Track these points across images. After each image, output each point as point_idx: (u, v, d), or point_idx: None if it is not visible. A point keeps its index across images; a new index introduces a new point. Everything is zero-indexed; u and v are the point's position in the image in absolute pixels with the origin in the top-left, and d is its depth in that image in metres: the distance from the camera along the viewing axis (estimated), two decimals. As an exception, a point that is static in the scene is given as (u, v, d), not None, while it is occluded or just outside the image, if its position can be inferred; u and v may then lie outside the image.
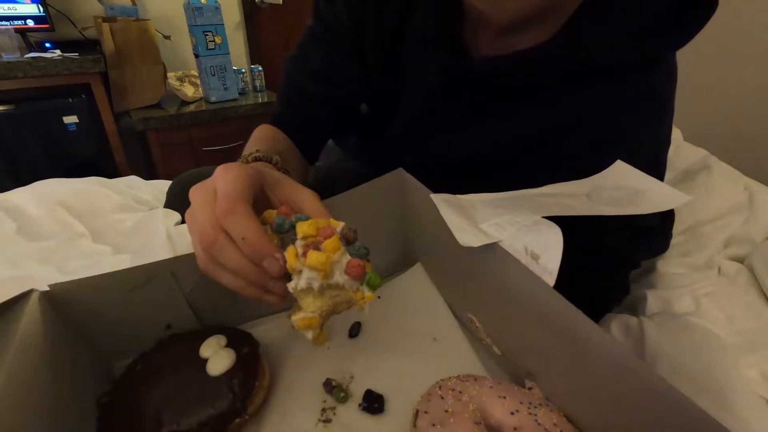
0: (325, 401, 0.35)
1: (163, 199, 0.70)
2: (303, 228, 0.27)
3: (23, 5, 1.44)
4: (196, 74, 1.72)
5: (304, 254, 0.26)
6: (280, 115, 0.55)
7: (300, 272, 0.27)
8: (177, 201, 0.61)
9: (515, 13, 0.37)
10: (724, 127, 0.98)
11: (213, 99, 1.67)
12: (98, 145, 1.55)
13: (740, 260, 0.60)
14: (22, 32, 1.47)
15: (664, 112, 0.44)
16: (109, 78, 1.52)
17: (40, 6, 1.46)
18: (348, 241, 0.28)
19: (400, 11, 0.46)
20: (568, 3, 0.38)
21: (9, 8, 1.42)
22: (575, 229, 0.35)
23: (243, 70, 1.84)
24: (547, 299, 0.28)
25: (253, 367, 0.33)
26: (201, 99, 1.72)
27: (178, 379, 0.33)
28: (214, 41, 1.59)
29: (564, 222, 0.31)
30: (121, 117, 1.64)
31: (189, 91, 1.71)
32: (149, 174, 1.78)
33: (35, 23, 1.48)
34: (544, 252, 0.29)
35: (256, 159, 0.40)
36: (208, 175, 0.67)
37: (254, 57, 2.05)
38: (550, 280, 0.28)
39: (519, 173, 0.45)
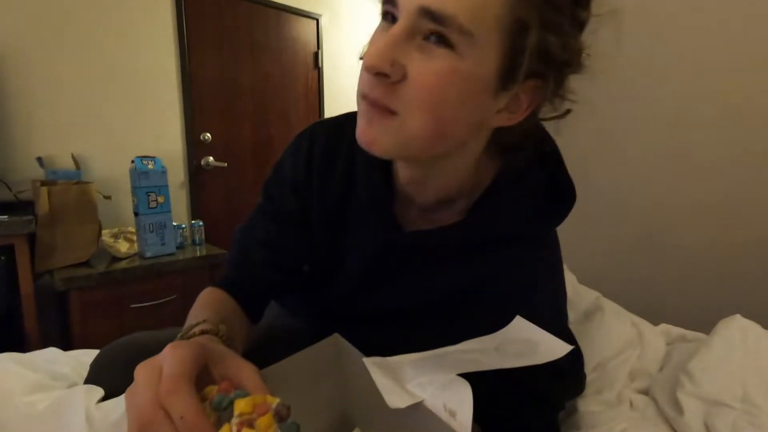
0: None
1: (84, 372, 0.66)
2: (240, 405, 0.29)
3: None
4: (133, 230, 1.73)
5: (243, 429, 0.28)
6: (227, 278, 0.60)
7: None
8: (102, 374, 0.58)
9: (433, 197, 0.50)
10: (609, 270, 1.17)
11: (149, 254, 1.66)
12: (7, 309, 1.42)
13: (645, 392, 0.67)
14: (-52, 196, 1.45)
15: (556, 271, 0.55)
16: (37, 238, 1.48)
17: (-24, 171, 1.48)
18: (281, 417, 0.30)
19: (341, 193, 0.56)
20: (474, 190, 0.50)
21: (-60, 174, 1.42)
22: (506, 377, 0.40)
23: (183, 225, 1.88)
24: None
25: None
26: (135, 254, 1.70)
27: None
28: (156, 201, 1.66)
29: (496, 370, 0.36)
30: (41, 277, 1.55)
31: (123, 246, 1.69)
32: (62, 338, 1.61)
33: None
34: (459, 408, 0.33)
35: (203, 332, 0.42)
36: (137, 342, 0.66)
37: (195, 213, 2.13)
38: None
39: (438, 324, 0.52)
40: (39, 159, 1.66)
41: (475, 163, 0.48)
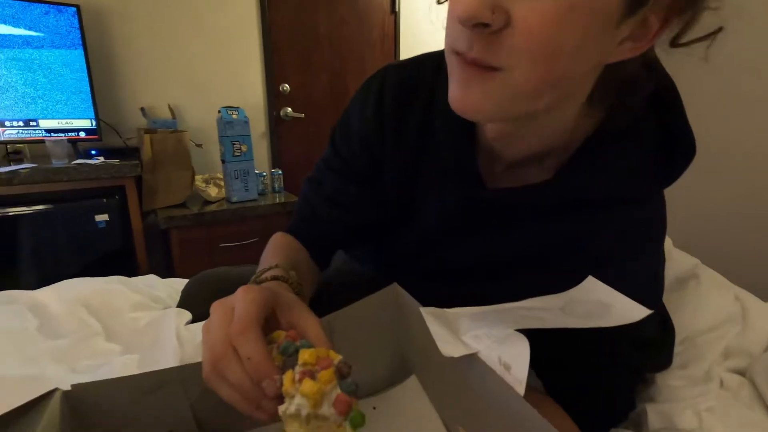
0: None
1: (178, 297, 0.74)
2: (305, 355, 0.30)
3: (79, 120, 1.66)
4: (221, 177, 1.88)
5: (300, 381, 0.29)
6: (295, 227, 0.60)
7: (293, 397, 0.29)
8: (190, 300, 0.65)
9: (523, 153, 0.45)
10: (714, 235, 1.02)
11: (234, 199, 1.80)
12: (123, 242, 1.65)
13: (742, 373, 0.59)
14: (74, 141, 1.67)
15: (658, 234, 0.49)
16: (143, 180, 1.67)
17: (93, 121, 1.68)
18: (342, 375, 0.30)
19: (417, 143, 0.52)
20: (570, 145, 0.44)
21: (66, 122, 1.63)
22: (582, 339, 0.38)
23: (264, 174, 2.00)
24: (519, 409, 0.30)
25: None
26: (223, 199, 1.86)
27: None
28: (240, 149, 1.77)
29: (571, 332, 0.34)
30: (147, 215, 1.77)
31: (213, 191, 1.85)
32: (166, 269, 1.85)
33: (86, 134, 1.68)
34: (514, 363, 0.31)
35: (274, 277, 0.44)
36: (220, 275, 0.71)
37: (275, 161, 2.25)
38: (521, 389, 0.30)
39: (512, 285, 0.49)
40: (142, 109, 1.84)
41: (577, 113, 0.41)
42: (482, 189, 0.48)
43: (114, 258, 1.62)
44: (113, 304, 0.65)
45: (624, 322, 0.34)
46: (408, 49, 2.45)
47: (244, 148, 1.78)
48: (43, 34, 1.55)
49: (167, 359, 0.52)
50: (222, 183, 1.88)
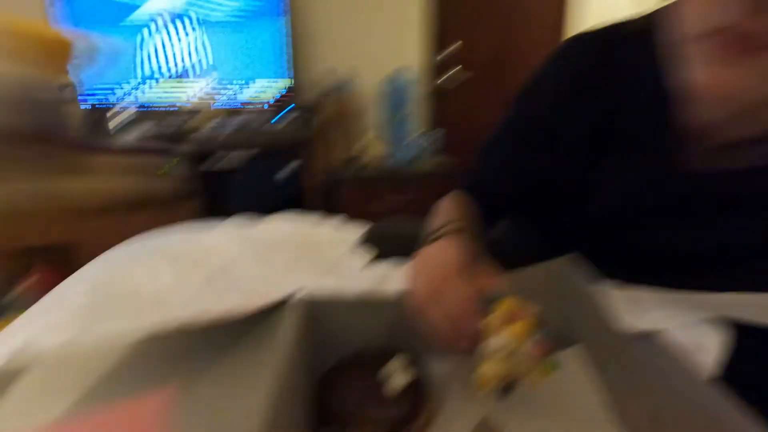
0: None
1: (357, 241, 0.86)
2: (508, 303, 0.35)
3: (275, 83, 1.94)
4: (384, 138, 2.02)
5: (505, 323, 0.33)
6: (469, 187, 0.61)
7: (496, 337, 0.33)
8: (370, 242, 0.75)
9: (740, 133, 0.39)
10: None
11: (395, 160, 1.92)
12: (297, 193, 1.92)
13: None
14: (268, 103, 1.98)
15: None
16: (318, 139, 1.90)
17: (287, 83, 1.95)
18: (540, 324, 0.34)
19: (606, 119, 0.48)
20: None
21: (264, 86, 1.94)
22: None
23: (425, 135, 2.07)
24: (699, 394, 0.29)
25: (423, 389, 0.41)
26: (385, 158, 2.00)
27: (365, 385, 0.41)
28: (403, 112, 1.86)
29: None
30: (320, 171, 2.01)
31: (375, 152, 2.01)
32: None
33: (281, 96, 1.97)
34: (700, 348, 0.30)
35: (459, 230, 0.47)
36: (398, 226, 0.77)
37: (436, 123, 2.28)
38: (706, 375, 0.29)
39: (707, 279, 0.44)
40: (322, 73, 2.05)
41: None
42: (672, 170, 0.44)
43: (292, 206, 1.91)
44: (312, 239, 0.80)
45: None
46: (585, 6, 2.15)
47: (407, 110, 1.86)
48: (251, 6, 1.84)
49: (354, 290, 0.62)
50: (384, 144, 2.02)
